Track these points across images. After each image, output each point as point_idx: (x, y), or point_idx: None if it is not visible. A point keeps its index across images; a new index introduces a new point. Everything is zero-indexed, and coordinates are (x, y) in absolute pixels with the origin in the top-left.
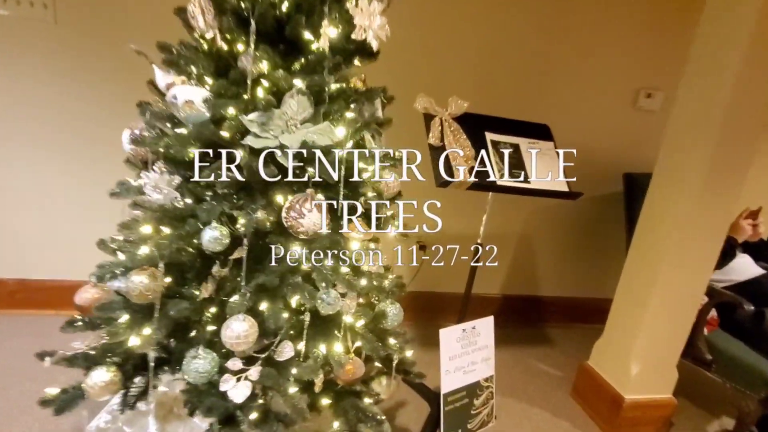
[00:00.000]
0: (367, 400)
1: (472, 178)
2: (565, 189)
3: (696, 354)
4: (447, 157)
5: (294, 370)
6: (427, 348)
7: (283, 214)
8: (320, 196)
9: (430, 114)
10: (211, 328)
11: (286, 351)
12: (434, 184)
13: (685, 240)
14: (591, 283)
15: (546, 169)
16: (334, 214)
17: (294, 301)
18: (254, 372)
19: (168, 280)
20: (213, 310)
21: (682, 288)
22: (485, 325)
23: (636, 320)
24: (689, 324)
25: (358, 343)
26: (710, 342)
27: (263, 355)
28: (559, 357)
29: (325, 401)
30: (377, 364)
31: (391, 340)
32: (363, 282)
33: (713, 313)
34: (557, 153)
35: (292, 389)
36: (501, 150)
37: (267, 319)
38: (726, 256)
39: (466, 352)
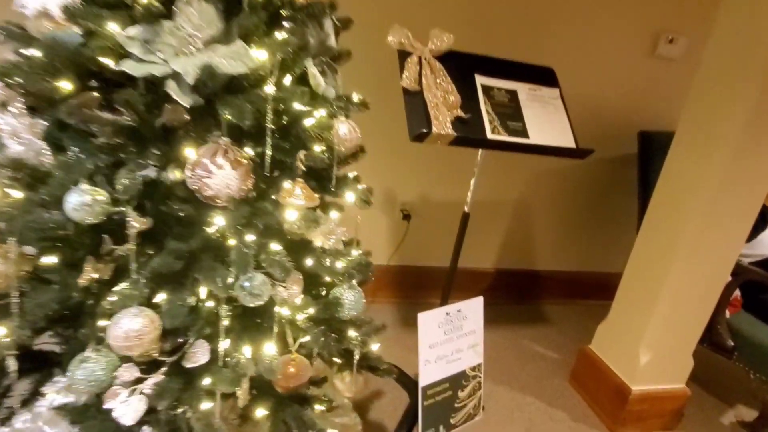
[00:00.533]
0: (319, 408)
1: (455, 131)
2: (572, 145)
3: (715, 339)
4: (425, 104)
5: (207, 380)
6: (411, 330)
7: (187, 173)
8: (248, 150)
9: (406, 51)
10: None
11: (198, 354)
12: (409, 139)
13: (714, 207)
14: (596, 256)
15: (549, 121)
16: (270, 174)
17: (204, 290)
18: (151, 383)
19: (49, 260)
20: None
21: (706, 264)
22: (473, 308)
23: (649, 300)
24: (711, 306)
25: (307, 338)
26: (732, 326)
27: (172, 358)
28: (557, 338)
29: (261, 412)
30: (337, 360)
31: (351, 332)
32: (309, 262)
33: (736, 292)
34: (564, 102)
35: (206, 404)
36: (494, 97)
37: (164, 314)
38: (757, 227)
39: (450, 339)
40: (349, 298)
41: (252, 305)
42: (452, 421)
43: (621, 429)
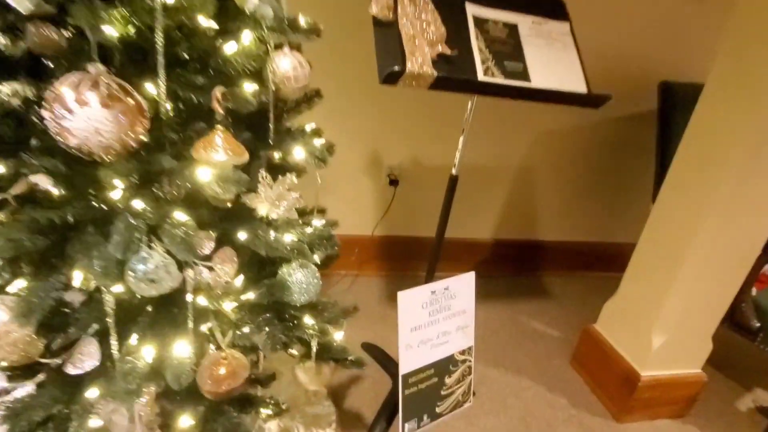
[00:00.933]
0: (265, 412)
1: (437, 71)
2: (583, 90)
3: (738, 319)
4: (399, 37)
5: (94, 391)
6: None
7: (45, 114)
8: (151, 87)
9: None
10: None
11: (83, 358)
12: (378, 81)
13: (751, 166)
14: (606, 225)
15: (556, 61)
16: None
17: (78, 275)
18: (18, 394)
19: None
20: None
21: (737, 233)
22: (463, 285)
23: (666, 274)
24: (738, 282)
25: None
26: (758, 304)
27: (56, 360)
28: (559, 314)
29: (187, 421)
30: (294, 352)
31: (307, 320)
32: (243, 236)
33: (766, 266)
34: (575, 39)
35: (94, 421)
36: (489, 31)
37: (21, 306)
38: None
39: (435, 321)
40: (299, 279)
41: (149, 294)
42: (438, 409)
43: (627, 416)
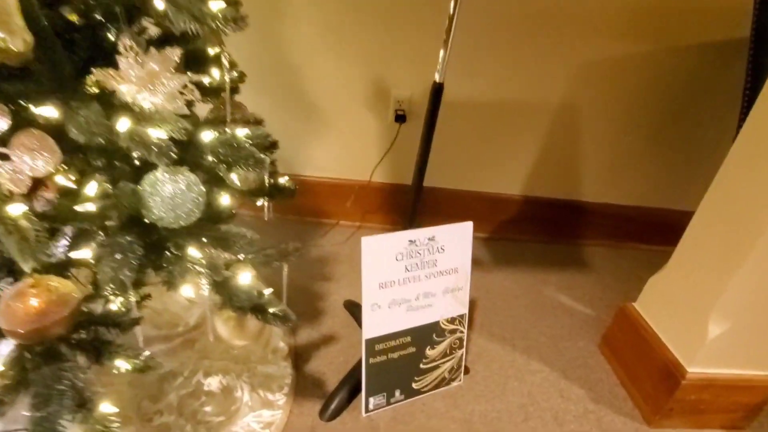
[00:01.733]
0: (123, 365)
1: None
2: None
3: None
4: None
5: None
6: None
7: None
8: None
9: None
10: None
11: None
12: None
13: None
14: (666, 188)
15: None
16: None
17: None
18: None
19: None
20: None
21: None
22: (456, 236)
23: (734, 250)
24: None
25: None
26: None
27: None
28: (595, 289)
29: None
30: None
31: (193, 251)
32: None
33: None
34: None
35: None
36: None
37: None
38: None
39: (415, 278)
40: (167, 192)
41: None
42: (415, 385)
43: (663, 421)
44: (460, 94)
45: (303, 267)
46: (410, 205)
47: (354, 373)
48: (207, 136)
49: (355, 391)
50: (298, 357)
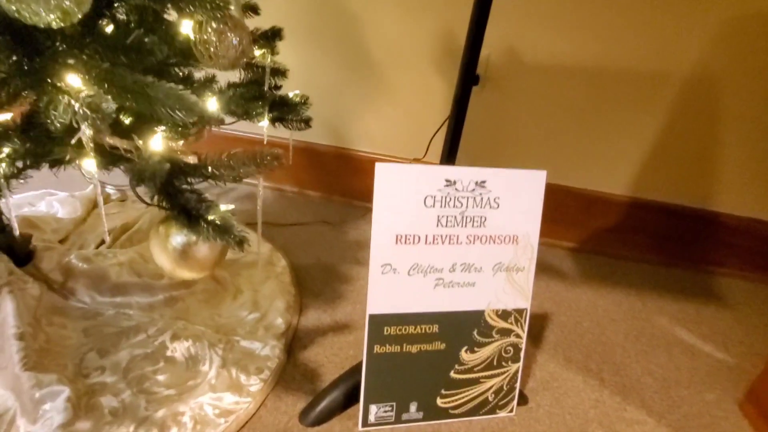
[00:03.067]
0: None
1: None
2: None
3: None
4: None
5: None
6: None
7: None
8: None
9: None
10: None
11: None
12: None
13: None
14: None
15: None
16: None
17: None
18: None
19: None
20: None
21: None
22: (521, 188)
23: None
24: None
25: None
26: None
27: None
28: (730, 328)
29: None
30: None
31: (72, 80)
32: None
33: None
34: None
35: None
36: None
37: None
38: None
39: (451, 237)
40: None
41: None
42: (441, 402)
43: None
44: (550, 53)
45: (335, 247)
46: (447, 138)
47: (353, 373)
48: None
49: (354, 395)
50: (297, 340)
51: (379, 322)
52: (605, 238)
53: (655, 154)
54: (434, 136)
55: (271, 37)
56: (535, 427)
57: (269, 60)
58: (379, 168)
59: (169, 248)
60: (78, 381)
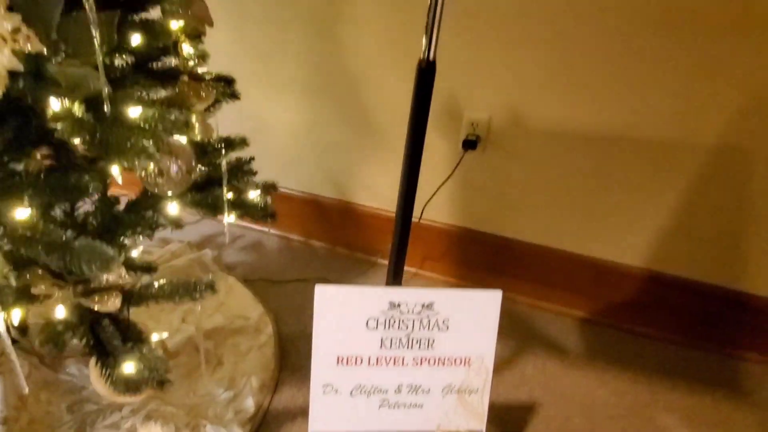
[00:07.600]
0: None
1: None
2: None
3: None
4: None
5: None
6: None
7: None
8: None
9: None
10: None
11: None
12: None
13: None
14: None
15: None
16: None
17: None
18: None
19: None
20: None
21: None
22: (473, 309)
23: None
24: None
25: None
26: None
27: None
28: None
29: None
30: None
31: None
32: None
33: None
34: None
35: None
36: None
37: None
38: None
39: (395, 359)
40: None
41: None
42: None
43: None
44: (561, 117)
45: None
46: (393, 243)
47: None
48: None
49: None
50: (264, 425)
51: None
52: (620, 310)
53: (677, 227)
54: (428, 201)
55: (227, 145)
56: None
57: (223, 160)
58: (319, 290)
59: (103, 379)
60: None
